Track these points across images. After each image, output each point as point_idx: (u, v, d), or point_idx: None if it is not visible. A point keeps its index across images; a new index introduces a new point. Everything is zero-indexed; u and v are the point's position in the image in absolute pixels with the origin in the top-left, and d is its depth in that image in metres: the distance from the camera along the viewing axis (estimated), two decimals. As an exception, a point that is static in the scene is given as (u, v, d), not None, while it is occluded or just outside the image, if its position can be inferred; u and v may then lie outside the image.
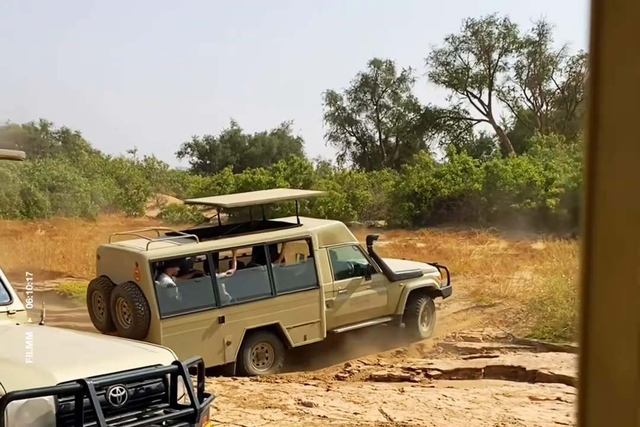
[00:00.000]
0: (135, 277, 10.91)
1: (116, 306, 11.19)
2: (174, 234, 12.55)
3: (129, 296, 10.79)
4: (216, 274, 11.50)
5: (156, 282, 10.87)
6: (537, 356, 11.95)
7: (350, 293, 12.80)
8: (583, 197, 0.76)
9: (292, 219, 13.34)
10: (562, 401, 9.33)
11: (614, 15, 0.76)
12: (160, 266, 11.17)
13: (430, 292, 13.94)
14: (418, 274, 13.75)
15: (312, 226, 12.88)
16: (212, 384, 9.83)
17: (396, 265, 13.96)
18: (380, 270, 13.22)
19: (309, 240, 12.34)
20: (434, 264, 14.65)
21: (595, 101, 0.75)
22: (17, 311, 6.89)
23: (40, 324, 7.11)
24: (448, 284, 14.52)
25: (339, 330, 12.68)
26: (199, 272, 11.72)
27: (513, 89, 53.76)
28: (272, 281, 11.85)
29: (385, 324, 13.24)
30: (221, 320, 11.32)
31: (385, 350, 12.91)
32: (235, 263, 11.91)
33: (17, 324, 6.72)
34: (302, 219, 13.39)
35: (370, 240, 13.37)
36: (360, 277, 12.98)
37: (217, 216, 17.50)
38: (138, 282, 10.87)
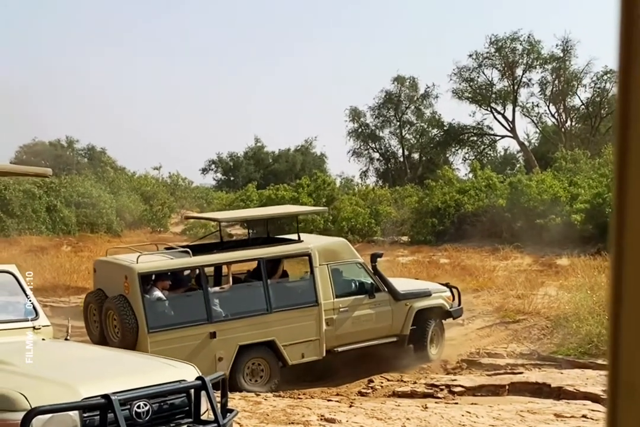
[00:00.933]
0: (125, 290, 10.88)
1: (107, 318, 11.17)
2: (172, 248, 12.48)
3: (118, 309, 10.74)
4: (209, 289, 11.39)
5: (146, 295, 10.80)
6: (562, 373, 11.85)
7: (352, 312, 12.44)
8: (614, 208, 0.76)
9: (305, 236, 13.27)
10: (587, 418, 9.24)
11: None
12: (151, 280, 11.12)
13: (440, 313, 13.49)
14: (426, 294, 13.28)
15: (313, 242, 12.69)
16: (235, 400, 9.83)
17: (405, 284, 13.65)
18: (385, 289, 12.79)
19: (308, 256, 12.12)
20: (445, 284, 14.20)
21: (625, 109, 0.75)
22: (43, 326, 6.94)
23: (66, 339, 7.16)
24: (459, 304, 13.98)
25: (340, 349, 12.35)
26: (194, 286, 11.60)
27: (537, 105, 53.65)
28: (268, 297, 11.65)
29: (393, 344, 12.90)
30: (213, 335, 11.14)
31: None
32: (231, 278, 11.80)
33: (43, 339, 6.77)
34: (307, 236, 13.36)
35: (374, 258, 12.89)
36: (363, 295, 12.61)
37: (247, 232, 17.30)
38: (127, 295, 10.83)
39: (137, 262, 10.94)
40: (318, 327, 11.97)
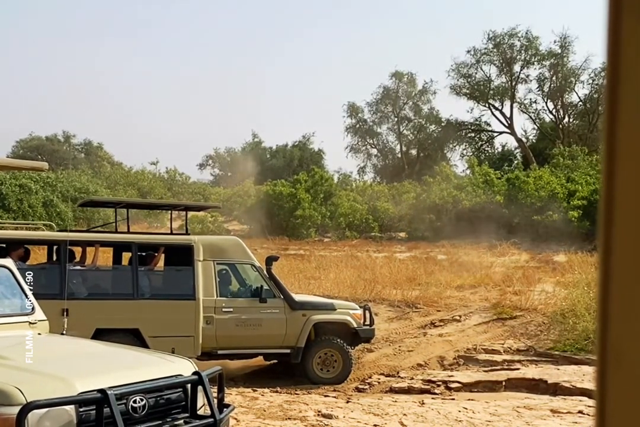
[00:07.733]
0: None
1: None
2: (66, 230, 12.23)
3: None
4: (68, 265, 10.80)
5: None
6: (558, 369, 11.88)
7: (238, 314, 11.67)
8: (601, 206, 0.76)
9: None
10: (584, 414, 9.27)
11: (633, 18, 0.76)
12: (7, 248, 10.73)
13: (345, 331, 12.36)
14: (328, 307, 12.37)
15: (203, 237, 12.46)
16: (232, 395, 9.84)
17: (309, 298, 13.03)
18: (280, 295, 11.97)
19: (189, 249, 11.57)
20: (363, 307, 12.88)
21: (613, 107, 0.75)
22: (39, 320, 6.94)
23: (62, 334, 7.16)
24: (371, 325, 12.61)
25: (221, 352, 11.61)
26: (55, 262, 11.26)
27: (535, 101, 53.74)
28: (135, 282, 11.11)
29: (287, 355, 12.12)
30: (65, 313, 9.99)
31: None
32: (96, 259, 11.45)
33: (39, 333, 6.76)
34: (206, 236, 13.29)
35: (269, 261, 12.08)
36: (252, 298, 11.85)
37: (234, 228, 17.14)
38: None
39: None
40: (195, 324, 11.31)
